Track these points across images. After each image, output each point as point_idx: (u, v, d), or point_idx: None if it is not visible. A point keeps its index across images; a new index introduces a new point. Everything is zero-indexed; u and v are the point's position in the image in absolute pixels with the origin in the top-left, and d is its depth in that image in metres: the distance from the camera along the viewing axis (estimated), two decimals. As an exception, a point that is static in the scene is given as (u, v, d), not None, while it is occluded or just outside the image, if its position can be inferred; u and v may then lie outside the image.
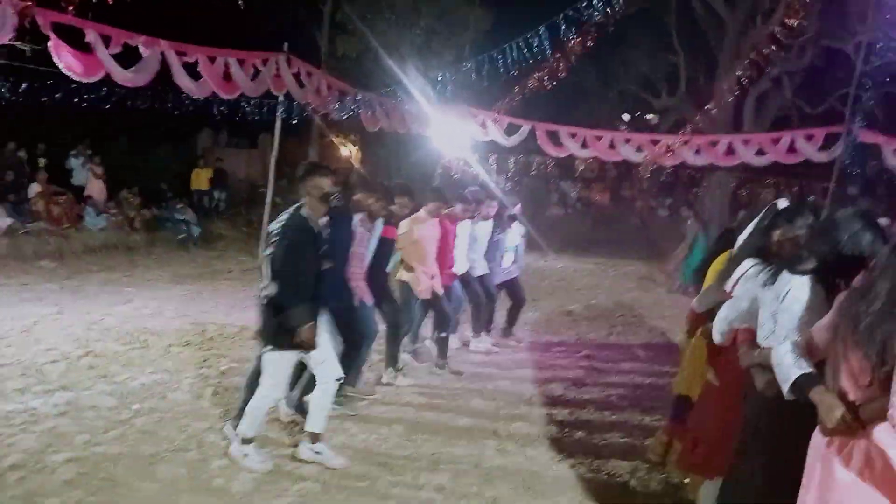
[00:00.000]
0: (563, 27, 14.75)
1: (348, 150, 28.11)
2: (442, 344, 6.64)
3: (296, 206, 4.30)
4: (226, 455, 4.45)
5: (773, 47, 16.80)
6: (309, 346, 4.11)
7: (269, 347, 4.23)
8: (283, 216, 4.28)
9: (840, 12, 16.17)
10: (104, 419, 5.01)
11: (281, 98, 12.84)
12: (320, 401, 4.33)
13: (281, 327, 4.10)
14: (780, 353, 2.63)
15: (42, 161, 14.22)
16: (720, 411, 3.35)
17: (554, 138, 16.51)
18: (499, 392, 6.08)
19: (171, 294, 9.82)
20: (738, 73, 16.92)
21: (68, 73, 9.02)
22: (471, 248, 7.12)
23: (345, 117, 15.27)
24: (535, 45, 15.06)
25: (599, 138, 16.49)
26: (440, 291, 6.45)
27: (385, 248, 5.74)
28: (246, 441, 4.31)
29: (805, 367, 2.53)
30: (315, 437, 4.37)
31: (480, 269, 7.29)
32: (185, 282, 10.84)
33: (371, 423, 5.13)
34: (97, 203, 14.04)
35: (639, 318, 9.79)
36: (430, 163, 18.51)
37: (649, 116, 25.72)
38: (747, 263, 3.27)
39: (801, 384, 2.51)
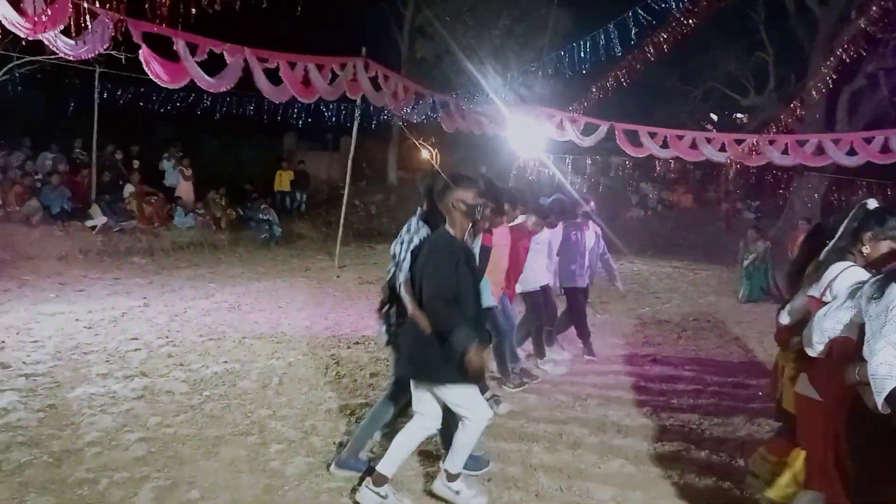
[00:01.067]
0: (644, 25, 14.56)
1: (428, 153, 28.48)
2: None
3: (418, 217, 3.99)
4: (285, 440, 4.68)
5: (868, 43, 16.03)
6: (479, 372, 3.59)
7: (449, 383, 3.66)
8: (415, 235, 3.90)
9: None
10: (177, 403, 5.34)
11: (358, 101, 13.22)
12: (464, 439, 3.79)
13: (449, 358, 3.53)
14: (874, 365, 2.57)
15: (136, 163, 15.12)
16: (825, 425, 3.15)
17: (633, 138, 16.29)
18: (556, 391, 6.09)
19: (249, 290, 10.26)
20: (831, 70, 16.20)
21: (156, 81, 9.61)
22: (549, 258, 6.76)
23: (421, 119, 15.56)
24: (614, 43, 14.91)
25: (680, 137, 16.18)
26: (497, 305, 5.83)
27: (485, 256, 5.08)
28: (453, 477, 3.86)
29: None
30: (452, 476, 3.88)
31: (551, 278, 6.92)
32: (263, 279, 11.31)
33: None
34: (186, 203, 14.80)
35: (712, 324, 9.53)
36: (505, 164, 18.56)
37: (738, 116, 24.93)
38: (837, 267, 3.12)
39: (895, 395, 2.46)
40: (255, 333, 7.64)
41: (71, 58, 8.70)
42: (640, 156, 17.03)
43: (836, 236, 3.25)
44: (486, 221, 4.97)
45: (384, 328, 4.15)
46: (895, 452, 2.55)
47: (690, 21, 14.70)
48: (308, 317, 8.66)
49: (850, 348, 2.86)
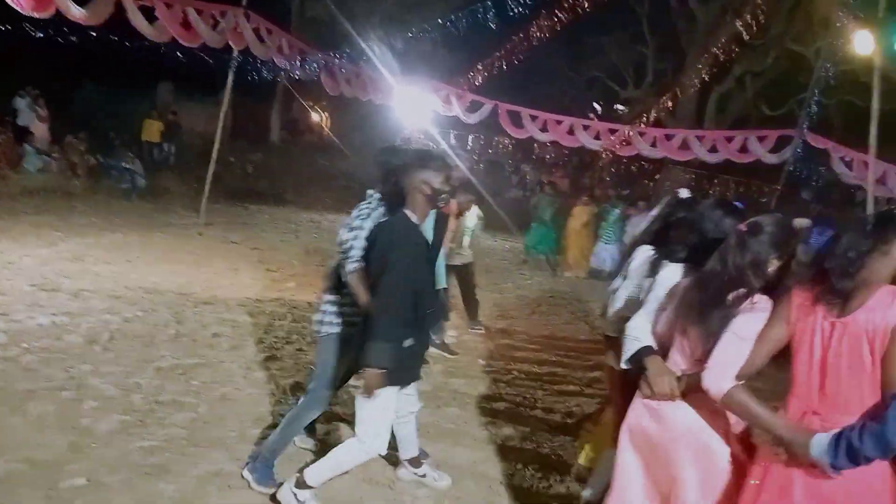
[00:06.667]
0: (534, 5, 14.72)
1: (319, 116, 27.82)
2: None
3: (372, 200, 3.62)
4: (102, 397, 4.44)
5: (740, 46, 16.94)
6: (370, 390, 3.18)
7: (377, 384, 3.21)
8: (364, 215, 3.54)
9: (804, 16, 16.34)
10: (-11, 354, 4.94)
11: (235, 53, 12.67)
12: (343, 457, 3.42)
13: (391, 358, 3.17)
14: (628, 328, 2.80)
15: (-18, 98, 13.86)
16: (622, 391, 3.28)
17: (515, 119, 16.51)
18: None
19: (99, 241, 9.66)
20: (704, 68, 17.02)
21: (15, 6, 8.72)
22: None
23: (307, 79, 15.14)
24: (504, 21, 14.95)
25: (559, 122, 16.54)
26: None
27: (443, 223, 4.63)
28: (305, 487, 3.39)
29: (644, 342, 2.70)
30: (305, 485, 3.42)
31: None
32: (117, 231, 10.65)
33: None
34: (39, 145, 13.71)
35: (567, 300, 9.87)
36: (391, 133, 18.36)
37: (618, 107, 25.85)
38: (643, 250, 3.23)
39: (638, 355, 2.69)
40: (94, 287, 7.16)
41: None
42: (522, 137, 17.32)
43: (648, 221, 3.38)
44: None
45: (319, 319, 3.70)
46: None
47: (579, 5, 14.98)
48: (157, 273, 8.22)
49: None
